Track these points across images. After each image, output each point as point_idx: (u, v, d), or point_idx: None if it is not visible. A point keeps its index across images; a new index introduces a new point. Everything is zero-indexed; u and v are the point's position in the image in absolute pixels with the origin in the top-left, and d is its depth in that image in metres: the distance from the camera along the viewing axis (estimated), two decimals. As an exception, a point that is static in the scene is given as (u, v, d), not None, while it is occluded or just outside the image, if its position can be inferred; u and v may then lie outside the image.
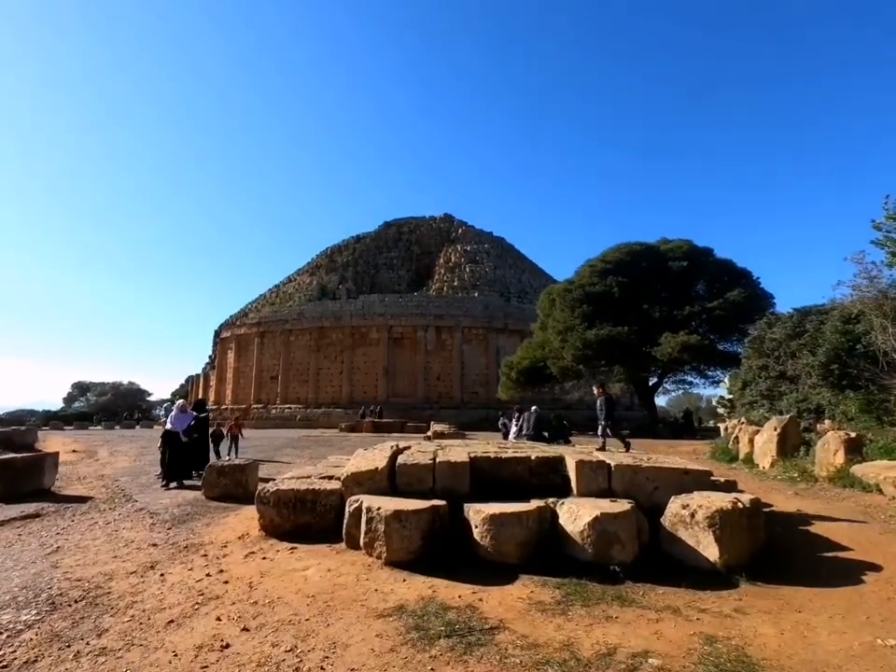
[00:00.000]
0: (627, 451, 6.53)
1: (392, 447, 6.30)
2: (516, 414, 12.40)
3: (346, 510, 4.92)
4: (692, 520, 4.36)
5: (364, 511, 4.64)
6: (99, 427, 40.01)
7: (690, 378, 28.74)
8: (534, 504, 4.84)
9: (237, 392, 44.20)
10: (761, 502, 4.74)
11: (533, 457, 5.76)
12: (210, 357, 52.52)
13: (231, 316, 50.88)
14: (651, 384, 27.56)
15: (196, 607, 3.59)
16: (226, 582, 4.06)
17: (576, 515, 4.50)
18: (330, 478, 5.99)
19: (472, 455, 5.77)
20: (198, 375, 52.64)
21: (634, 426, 31.95)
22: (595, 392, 7.19)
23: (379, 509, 4.53)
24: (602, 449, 6.80)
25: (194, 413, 9.81)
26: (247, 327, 45.37)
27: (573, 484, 5.41)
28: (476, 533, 4.53)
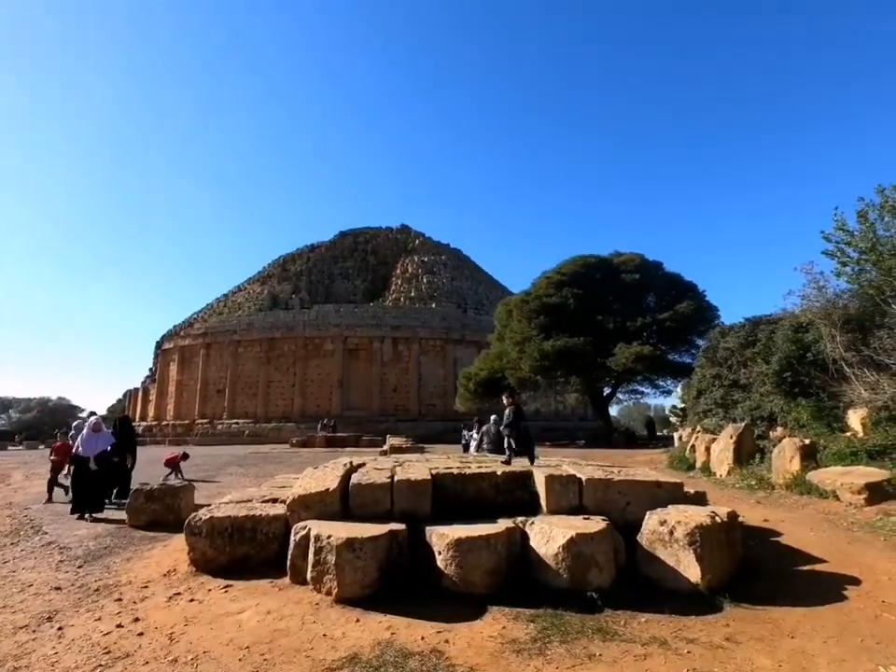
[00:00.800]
0: (507, 463, 6.25)
1: (345, 465, 5.73)
2: (476, 426, 12.01)
3: (292, 538, 4.31)
4: (671, 537, 4.07)
5: (312, 539, 4.06)
6: (21, 447, 36.50)
7: (641, 388, 29.52)
8: (502, 525, 4.42)
9: (180, 407, 41.64)
10: (737, 515, 4.54)
11: (499, 473, 5.35)
12: (150, 369, 49.39)
13: (174, 326, 48.12)
14: (605, 394, 28.01)
15: (98, 671, 2.91)
16: (140, 634, 3.38)
17: (548, 536, 4.11)
18: (275, 501, 5.35)
19: (434, 471, 5.30)
20: (136, 389, 49.29)
21: (589, 436, 32.42)
22: (505, 401, 6.80)
23: (329, 537, 3.97)
24: (507, 464, 6.53)
25: (111, 434, 8.28)
26: (192, 337, 42.99)
27: (542, 501, 5.04)
28: (440, 560, 4.06)
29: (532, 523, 4.47)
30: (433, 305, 44.77)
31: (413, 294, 47.12)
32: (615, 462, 14.95)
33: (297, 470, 13.30)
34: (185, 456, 12.43)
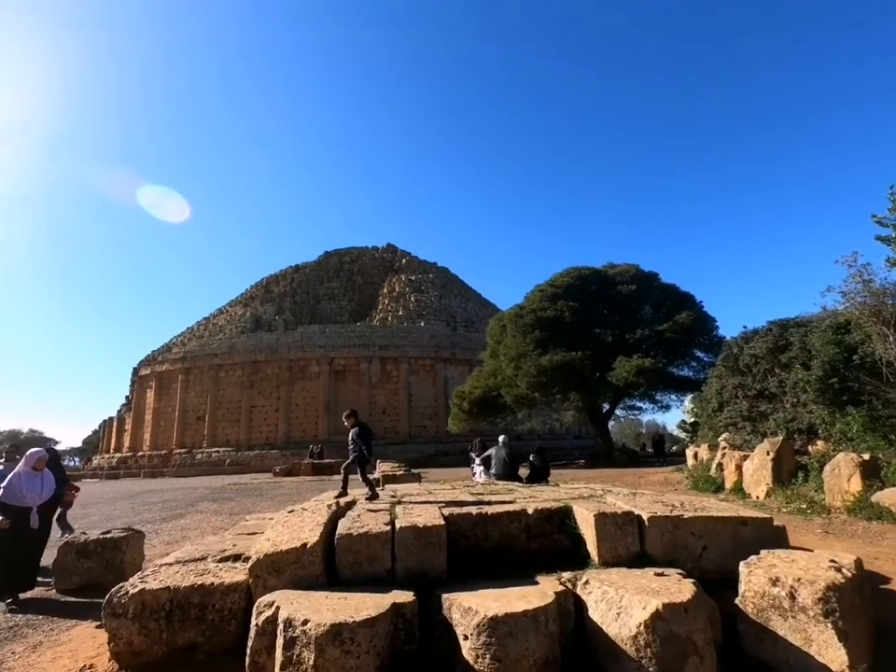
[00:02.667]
0: (372, 499, 5.18)
1: (330, 505, 4.47)
2: (477, 449, 10.76)
3: (253, 621, 3.04)
4: (792, 604, 2.89)
5: (282, 625, 2.81)
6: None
7: (639, 404, 28.53)
8: (547, 588, 3.22)
9: (157, 436, 39.55)
10: (862, 563, 3.38)
11: (530, 510, 4.15)
12: (127, 397, 47.14)
13: (152, 352, 46.17)
14: (604, 410, 26.92)
15: None
16: None
17: (618, 607, 2.91)
18: (237, 558, 4.06)
19: (446, 512, 4.08)
20: (112, 419, 46.94)
21: (587, 454, 31.17)
22: (346, 423, 5.68)
23: (306, 623, 2.72)
24: (343, 493, 5.46)
25: (51, 475, 5.87)
26: (170, 363, 41.14)
27: (591, 547, 3.84)
28: (467, 649, 2.82)
29: (586, 582, 3.27)
30: (422, 324, 43.64)
31: (401, 313, 45.98)
32: (628, 483, 13.76)
33: (277, 505, 11.85)
34: (65, 500, 7.48)
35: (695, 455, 14.23)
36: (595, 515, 3.81)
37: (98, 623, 4.32)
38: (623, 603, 2.91)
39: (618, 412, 30.68)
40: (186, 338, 47.25)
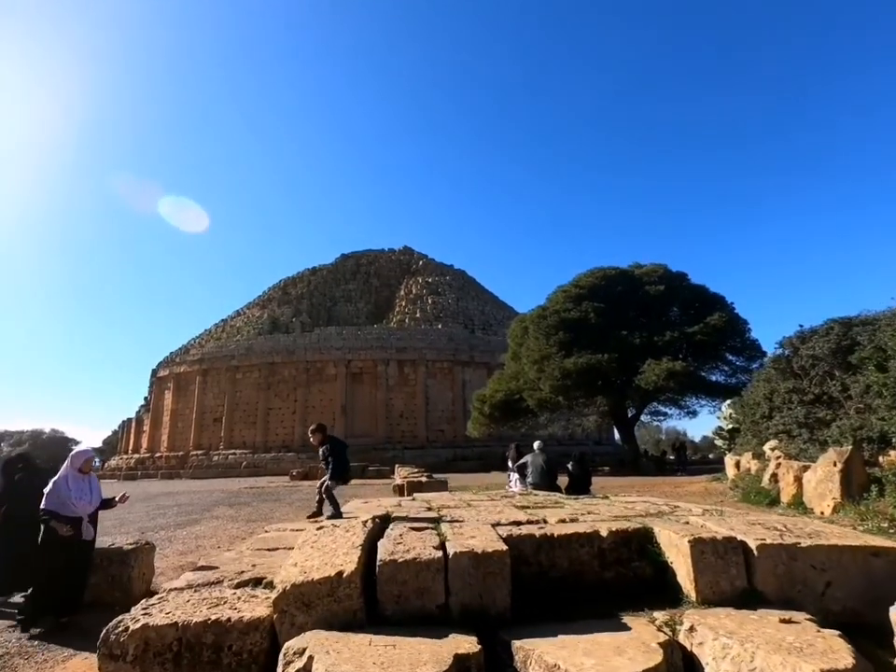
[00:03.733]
0: (336, 516, 4.58)
1: (365, 521, 3.85)
2: (511, 453, 10.06)
3: (281, 670, 2.43)
4: None
5: (316, 681, 2.19)
6: (2, 484, 34.17)
7: (664, 409, 27.52)
8: (643, 633, 2.56)
9: (174, 437, 39.57)
10: None
11: (604, 532, 3.48)
12: (145, 398, 47.40)
13: (170, 353, 46.36)
14: (629, 415, 25.98)
15: None
16: None
17: (751, 670, 2.23)
18: (258, 583, 3.47)
19: (506, 534, 3.43)
20: (130, 420, 47.22)
21: (610, 461, 30.13)
22: (313, 439, 5.06)
23: (348, 683, 2.10)
24: (317, 514, 4.90)
25: (96, 478, 5.14)
26: (188, 364, 41.20)
27: (685, 580, 3.15)
28: (555, 722, 2.17)
29: (691, 628, 2.59)
30: (439, 326, 43.07)
31: (418, 315, 45.47)
32: (666, 493, 12.91)
33: (295, 512, 11.29)
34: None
35: (737, 465, 13.34)
36: (689, 541, 3.12)
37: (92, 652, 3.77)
38: (757, 664, 2.23)
39: (641, 417, 29.69)
40: (204, 340, 47.38)
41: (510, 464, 9.98)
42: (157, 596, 3.23)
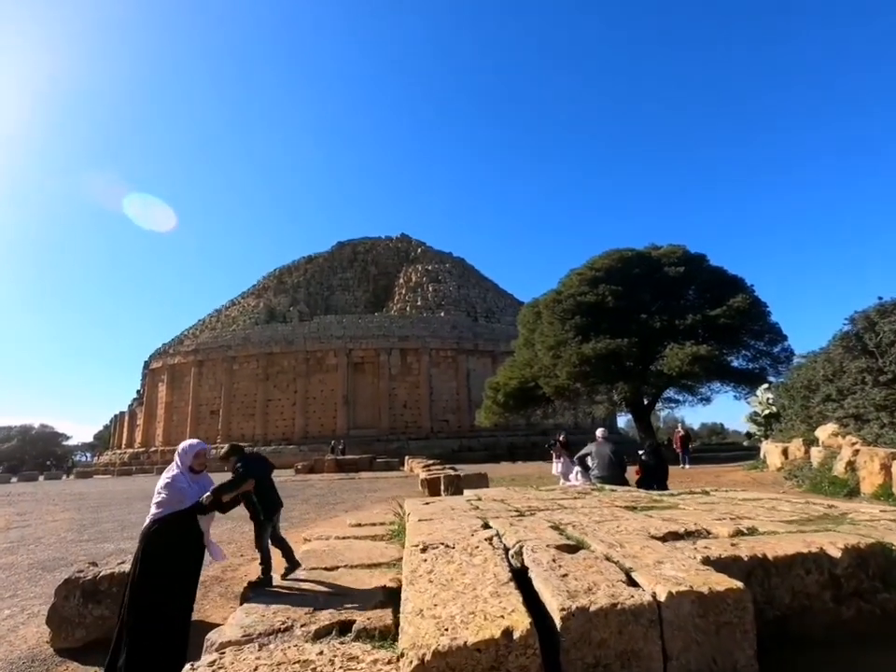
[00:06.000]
0: (290, 571, 3.53)
1: (490, 538, 2.81)
2: (555, 443, 9.04)
3: None
4: None
5: None
6: (-10, 482, 32.85)
7: (676, 396, 26.77)
8: None
9: (169, 431, 38.31)
10: None
11: (836, 552, 2.47)
12: (138, 391, 45.98)
13: (163, 345, 44.90)
14: (645, 402, 25.15)
15: None
16: None
17: None
18: (346, 628, 2.43)
19: (702, 557, 2.41)
20: (123, 413, 45.82)
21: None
22: (226, 466, 3.81)
23: None
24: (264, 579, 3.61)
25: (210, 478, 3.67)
26: (182, 355, 39.85)
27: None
28: None
29: None
30: (441, 314, 42.00)
31: (419, 303, 44.34)
32: (711, 484, 12.02)
33: (317, 510, 10.25)
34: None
35: (784, 452, 12.47)
36: None
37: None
38: None
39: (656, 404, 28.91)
40: (198, 330, 45.95)
41: (554, 455, 9.03)
42: (207, 661, 2.17)
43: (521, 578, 2.30)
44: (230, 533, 8.04)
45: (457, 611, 1.98)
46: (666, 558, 2.40)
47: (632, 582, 2.12)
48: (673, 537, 2.95)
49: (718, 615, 1.95)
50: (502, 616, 1.90)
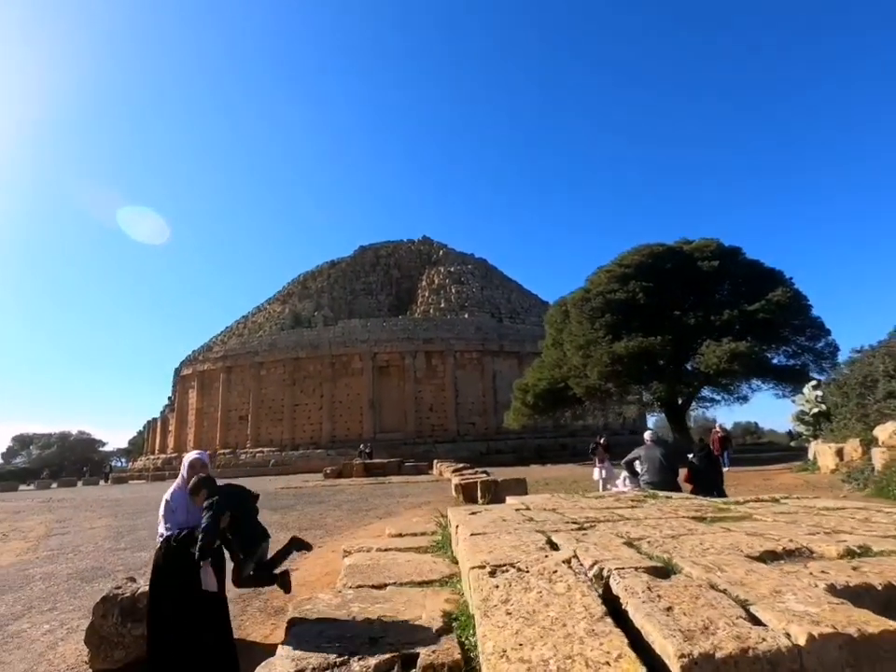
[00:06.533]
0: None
1: (567, 560, 2.50)
2: (596, 447, 8.67)
3: None
4: None
5: None
6: (31, 487, 33.98)
7: (713, 395, 25.85)
8: None
9: (200, 436, 38.99)
10: None
11: None
12: (169, 397, 47.02)
13: (193, 351, 45.82)
14: (679, 402, 24.35)
15: None
16: None
17: None
18: (409, 664, 2.15)
19: (827, 585, 2.06)
20: (155, 420, 46.90)
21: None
22: (196, 499, 3.19)
23: None
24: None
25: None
26: (211, 362, 40.54)
27: None
28: None
29: None
30: (465, 316, 41.71)
31: (442, 305, 44.16)
32: (758, 487, 11.41)
33: (349, 517, 10.04)
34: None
35: (839, 453, 11.76)
36: None
37: None
38: None
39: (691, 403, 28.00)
40: (226, 337, 46.76)
41: (596, 459, 8.62)
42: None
43: (613, 610, 1.98)
44: (271, 531, 7.89)
45: (549, 654, 1.68)
46: (783, 586, 2.05)
47: (753, 619, 1.78)
48: (772, 557, 2.59)
49: (873, 665, 1.61)
50: (608, 663, 1.59)
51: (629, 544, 2.96)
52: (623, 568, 2.28)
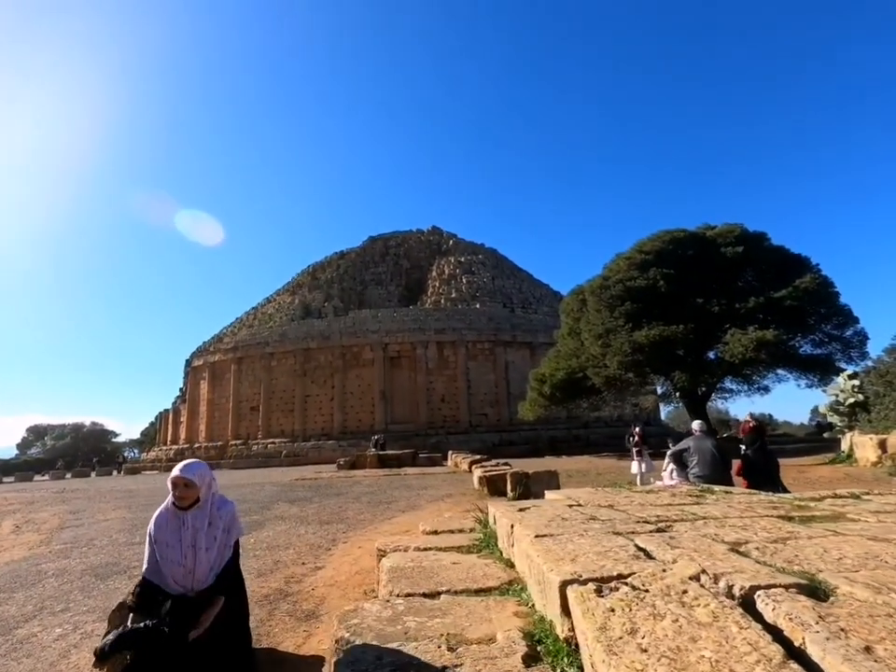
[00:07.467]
0: None
1: (695, 576, 2.04)
2: (633, 438, 8.19)
3: None
4: None
5: None
6: (45, 477, 34.15)
7: (733, 386, 25.20)
8: None
9: (212, 427, 38.97)
10: None
11: None
12: (181, 389, 47.05)
13: (203, 343, 45.72)
14: (700, 392, 23.73)
15: None
16: None
17: None
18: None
19: None
20: (167, 411, 46.99)
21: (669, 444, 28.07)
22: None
23: None
24: None
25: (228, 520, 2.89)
26: (222, 353, 40.41)
27: None
28: None
29: None
30: (477, 306, 41.17)
31: (453, 295, 43.63)
32: (795, 481, 10.86)
33: (370, 509, 9.61)
34: None
35: (882, 444, 11.20)
36: None
37: None
38: None
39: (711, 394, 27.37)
40: (236, 328, 46.59)
41: (633, 449, 8.15)
42: None
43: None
44: (285, 535, 7.53)
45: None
46: None
47: None
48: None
49: None
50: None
51: (734, 550, 2.50)
52: (768, 587, 1.82)
